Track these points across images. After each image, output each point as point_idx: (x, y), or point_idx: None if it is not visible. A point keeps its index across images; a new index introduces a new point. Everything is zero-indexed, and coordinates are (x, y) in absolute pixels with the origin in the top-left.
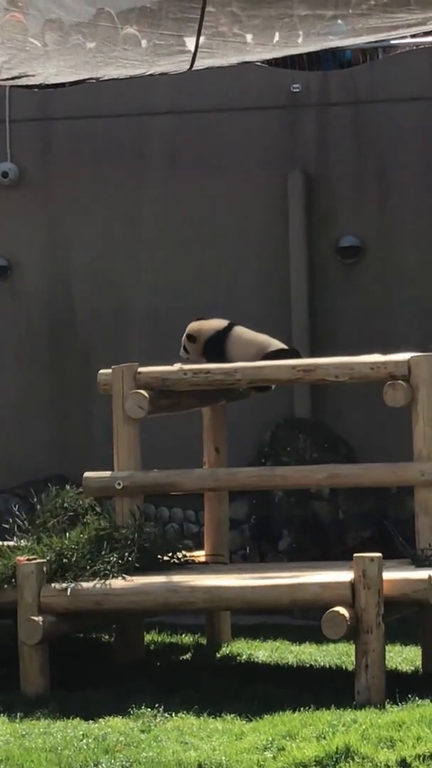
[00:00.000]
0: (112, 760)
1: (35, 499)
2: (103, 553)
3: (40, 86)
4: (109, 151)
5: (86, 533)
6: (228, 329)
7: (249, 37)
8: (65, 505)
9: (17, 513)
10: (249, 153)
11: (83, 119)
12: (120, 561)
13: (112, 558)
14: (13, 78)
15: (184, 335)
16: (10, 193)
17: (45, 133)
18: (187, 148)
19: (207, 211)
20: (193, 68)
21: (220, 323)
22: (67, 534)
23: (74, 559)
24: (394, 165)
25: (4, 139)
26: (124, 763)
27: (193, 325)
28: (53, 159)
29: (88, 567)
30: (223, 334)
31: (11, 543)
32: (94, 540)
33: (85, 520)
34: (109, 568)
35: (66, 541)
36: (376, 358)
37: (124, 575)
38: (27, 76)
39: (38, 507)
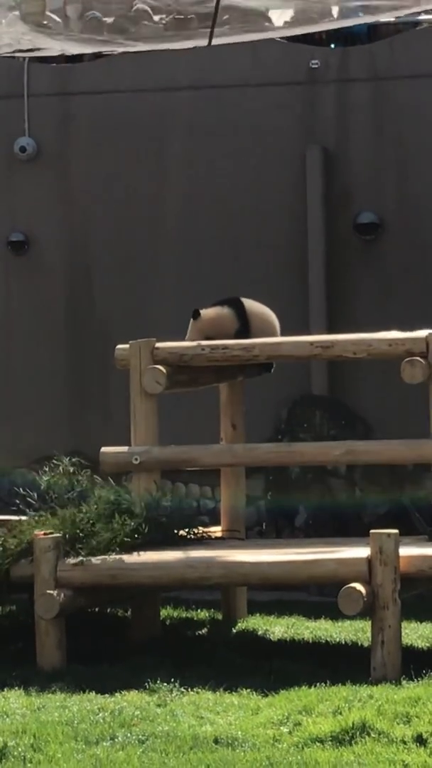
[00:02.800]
0: (128, 734)
1: (47, 474)
2: (117, 526)
3: (58, 60)
4: (128, 127)
5: (101, 507)
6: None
7: (268, 12)
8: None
9: (26, 490)
10: (267, 129)
11: (102, 94)
12: (136, 535)
13: (127, 532)
14: (30, 50)
15: (197, 327)
16: (28, 168)
17: (63, 108)
18: (205, 123)
19: (225, 186)
20: (212, 44)
21: (231, 320)
22: (83, 509)
23: (89, 533)
24: (413, 142)
25: (23, 113)
26: (140, 736)
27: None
28: (71, 134)
29: (102, 541)
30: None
31: (25, 518)
32: (110, 514)
33: (99, 494)
34: (124, 541)
35: (81, 515)
36: (394, 334)
37: (139, 550)
38: (45, 48)
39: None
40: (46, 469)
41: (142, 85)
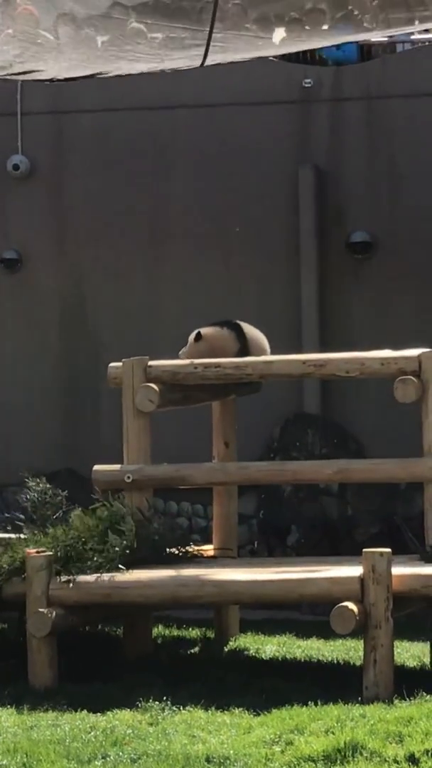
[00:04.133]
0: (120, 753)
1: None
2: (109, 546)
3: (51, 80)
4: (121, 145)
5: (93, 526)
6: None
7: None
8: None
9: (17, 508)
10: (260, 147)
11: (95, 112)
12: (127, 551)
13: (119, 551)
14: (23, 73)
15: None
16: (21, 186)
17: (57, 126)
18: (198, 142)
19: (218, 204)
20: (205, 64)
21: (233, 341)
22: (74, 526)
23: (81, 551)
24: (406, 160)
25: (16, 131)
26: (132, 755)
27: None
28: (65, 152)
29: (95, 559)
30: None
31: (19, 535)
32: (101, 533)
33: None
34: (116, 560)
35: (72, 533)
36: (386, 353)
37: (131, 568)
38: (38, 71)
39: (32, 498)
40: (26, 488)
41: (135, 103)
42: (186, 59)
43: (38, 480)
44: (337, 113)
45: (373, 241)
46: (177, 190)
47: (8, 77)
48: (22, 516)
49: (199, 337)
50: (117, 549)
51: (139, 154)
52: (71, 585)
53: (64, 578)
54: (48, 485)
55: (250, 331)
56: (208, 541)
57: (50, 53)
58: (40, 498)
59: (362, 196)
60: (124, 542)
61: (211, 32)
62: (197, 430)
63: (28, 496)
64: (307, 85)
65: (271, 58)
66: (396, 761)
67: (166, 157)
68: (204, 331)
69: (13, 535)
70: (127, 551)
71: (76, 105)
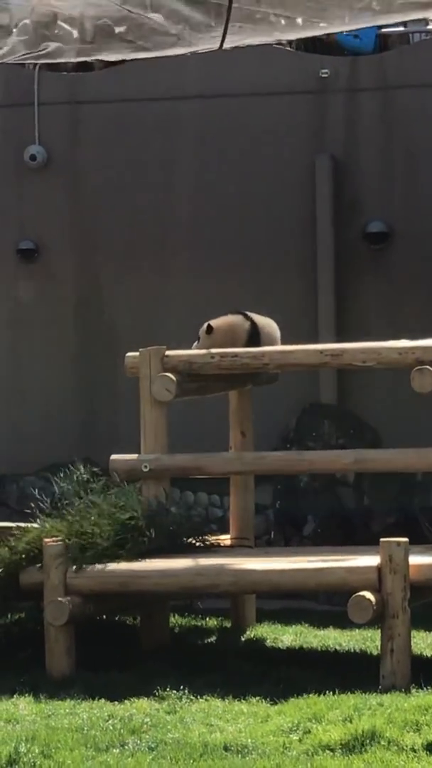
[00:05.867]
0: (138, 741)
1: (57, 482)
2: (126, 534)
3: (68, 68)
4: (138, 135)
5: (110, 514)
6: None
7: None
8: (87, 485)
9: (38, 495)
10: (277, 138)
11: (112, 103)
12: (144, 542)
13: (136, 540)
14: (40, 54)
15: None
16: (38, 176)
17: (74, 117)
18: (214, 132)
19: (234, 194)
20: (223, 47)
21: (244, 331)
22: (91, 516)
23: (98, 539)
24: (423, 150)
25: (33, 122)
26: (150, 743)
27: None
28: (82, 142)
29: (112, 548)
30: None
31: (35, 524)
32: (119, 521)
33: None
34: (133, 549)
35: (90, 523)
36: (403, 343)
37: (148, 557)
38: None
39: (58, 488)
40: (62, 476)
41: (152, 93)
42: (205, 42)
43: (81, 467)
44: (354, 104)
45: (390, 231)
46: (192, 180)
47: (28, 59)
48: (43, 506)
49: (210, 329)
50: (134, 538)
51: (155, 144)
52: (88, 574)
53: (83, 567)
54: (86, 471)
55: (261, 319)
56: (225, 531)
57: (69, 44)
58: (78, 483)
59: (379, 186)
60: (142, 531)
61: (228, 15)
62: (214, 420)
63: (63, 484)
64: (324, 76)
65: (288, 48)
66: (413, 750)
67: (182, 147)
68: (214, 322)
69: (27, 525)
70: (144, 540)
71: (93, 95)
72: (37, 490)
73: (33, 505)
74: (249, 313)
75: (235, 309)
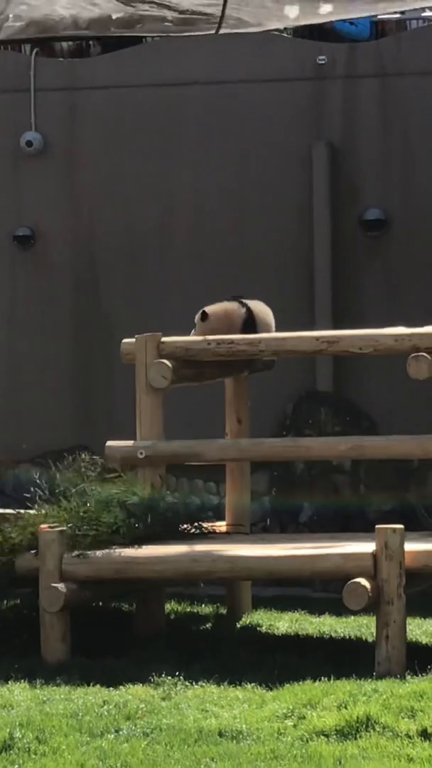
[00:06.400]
0: (133, 727)
1: (53, 469)
2: (122, 521)
3: (64, 53)
4: (135, 121)
5: (106, 501)
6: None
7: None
8: (85, 471)
9: (35, 482)
10: (274, 125)
11: (109, 89)
12: (140, 528)
13: (131, 526)
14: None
15: (206, 327)
16: (34, 163)
17: (70, 103)
18: (212, 118)
19: (232, 181)
20: (220, 32)
21: (239, 316)
22: (87, 503)
23: (94, 526)
24: (420, 138)
25: (29, 108)
26: (145, 729)
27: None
28: (78, 129)
29: (108, 534)
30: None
31: (32, 511)
32: (114, 508)
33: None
34: (129, 535)
35: (85, 509)
36: (400, 330)
37: (144, 544)
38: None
39: (57, 476)
40: (58, 463)
41: (149, 80)
42: (202, 24)
43: (86, 455)
44: (351, 90)
45: (387, 219)
46: (189, 166)
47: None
48: (42, 490)
49: (205, 315)
50: (130, 524)
51: (152, 131)
52: (84, 560)
53: (76, 553)
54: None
55: (256, 305)
56: (221, 518)
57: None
58: (74, 470)
59: (376, 173)
60: (137, 517)
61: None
62: (210, 406)
63: (66, 472)
64: (321, 63)
65: (285, 34)
66: (408, 736)
67: (179, 134)
68: (210, 309)
69: (24, 511)
70: (140, 526)
71: (89, 81)
72: (34, 477)
73: (29, 492)
74: (244, 299)
75: (231, 295)
